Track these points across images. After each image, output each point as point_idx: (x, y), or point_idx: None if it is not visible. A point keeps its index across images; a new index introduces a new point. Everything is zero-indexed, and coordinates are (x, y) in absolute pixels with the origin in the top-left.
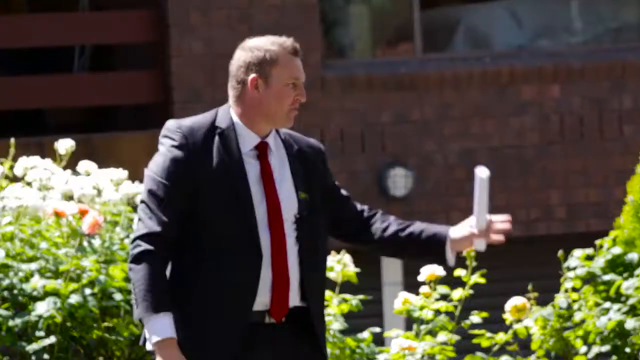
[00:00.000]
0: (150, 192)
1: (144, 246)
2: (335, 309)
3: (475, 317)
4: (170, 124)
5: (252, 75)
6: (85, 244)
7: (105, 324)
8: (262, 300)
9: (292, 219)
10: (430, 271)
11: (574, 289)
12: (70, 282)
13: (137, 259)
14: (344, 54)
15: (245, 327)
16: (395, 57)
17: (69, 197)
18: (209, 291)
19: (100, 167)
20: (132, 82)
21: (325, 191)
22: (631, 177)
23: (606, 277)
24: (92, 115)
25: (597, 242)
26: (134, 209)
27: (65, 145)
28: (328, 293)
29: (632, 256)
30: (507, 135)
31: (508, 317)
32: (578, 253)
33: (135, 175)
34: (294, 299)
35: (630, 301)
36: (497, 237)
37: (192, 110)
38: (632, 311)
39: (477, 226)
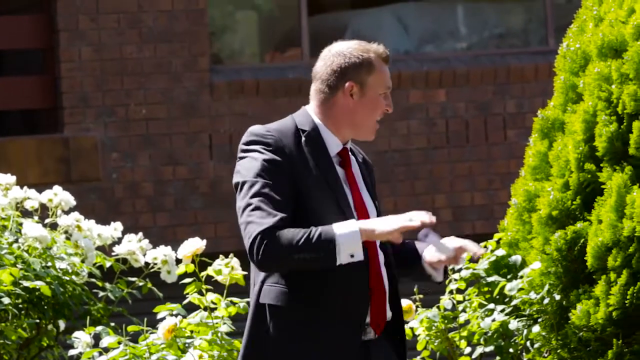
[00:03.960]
0: (258, 194)
1: (266, 239)
2: (223, 311)
3: None
4: (257, 129)
5: (348, 82)
6: None
7: None
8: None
9: None
10: None
11: (459, 291)
12: None
13: (266, 250)
14: (233, 59)
15: (359, 341)
16: (283, 62)
17: None
18: (322, 300)
19: None
20: (21, 87)
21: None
22: (515, 181)
23: (490, 279)
24: None
25: (482, 244)
26: (23, 213)
27: None
28: (215, 296)
29: (516, 258)
30: (393, 139)
31: None
32: (463, 255)
33: (24, 180)
34: (388, 312)
35: (514, 302)
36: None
37: (81, 116)
38: (516, 312)
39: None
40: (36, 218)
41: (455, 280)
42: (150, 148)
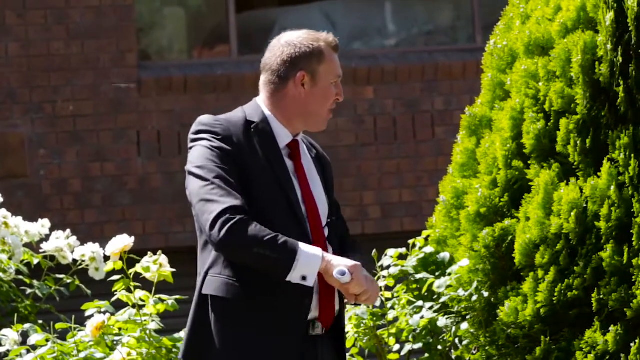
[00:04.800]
0: (212, 177)
1: (234, 218)
2: (151, 309)
3: None
4: (205, 118)
5: (300, 72)
6: None
7: None
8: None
9: (324, 220)
10: None
11: (388, 288)
12: None
13: (233, 228)
14: (161, 56)
15: (304, 335)
16: (211, 59)
17: None
18: (266, 293)
19: None
20: None
21: (331, 204)
22: (443, 178)
23: (419, 276)
24: None
25: (410, 241)
26: None
27: None
28: (144, 293)
29: (444, 255)
30: (322, 135)
31: None
32: (391, 252)
33: None
34: (336, 307)
35: (442, 299)
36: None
37: (8, 112)
38: (444, 309)
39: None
40: None
41: (384, 277)
42: (77, 144)
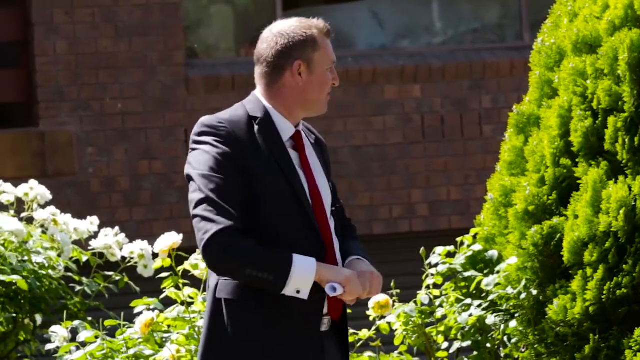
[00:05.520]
0: (212, 190)
1: (224, 243)
2: (200, 306)
3: None
4: (208, 119)
5: (296, 61)
6: None
7: None
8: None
9: (329, 210)
10: None
11: (436, 286)
12: None
13: (223, 254)
14: (208, 54)
15: (317, 333)
16: None
17: None
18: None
19: None
20: None
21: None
22: (491, 176)
23: (467, 274)
24: None
25: (458, 239)
26: None
27: None
28: (192, 290)
29: (492, 253)
30: (369, 134)
31: (371, 313)
32: (439, 250)
33: (0, 174)
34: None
35: (491, 297)
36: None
37: (56, 110)
38: (492, 307)
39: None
40: (12, 212)
41: (432, 275)
42: (126, 142)
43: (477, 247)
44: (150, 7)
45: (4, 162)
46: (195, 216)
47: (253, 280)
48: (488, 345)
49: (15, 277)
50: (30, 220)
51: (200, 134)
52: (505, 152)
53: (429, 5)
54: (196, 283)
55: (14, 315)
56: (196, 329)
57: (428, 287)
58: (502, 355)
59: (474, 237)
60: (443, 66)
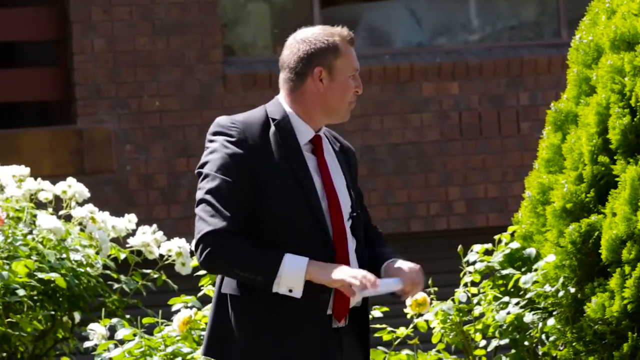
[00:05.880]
0: (212, 191)
1: (213, 244)
2: None
3: (377, 312)
4: (223, 119)
5: (317, 68)
6: None
7: (9, 319)
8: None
9: (347, 216)
10: None
11: (474, 283)
12: None
13: (210, 255)
14: (245, 51)
15: (324, 329)
16: None
17: None
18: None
19: (2, 163)
20: (35, 79)
21: (355, 194)
22: (529, 173)
23: (505, 272)
24: None
25: (496, 237)
26: (37, 205)
27: None
28: None
29: (530, 251)
30: (407, 131)
31: (409, 311)
32: (477, 248)
33: (38, 172)
34: (357, 300)
35: (529, 295)
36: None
37: (94, 108)
38: (531, 305)
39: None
40: (50, 210)
41: (470, 273)
42: (163, 140)
43: (515, 244)
44: (188, 5)
45: (42, 159)
46: (196, 214)
47: (244, 279)
48: (526, 343)
49: (53, 275)
50: (68, 218)
51: (213, 134)
52: (543, 149)
53: (466, 2)
54: None
55: (53, 312)
56: None
57: (466, 284)
58: (540, 353)
59: (512, 234)
60: (480, 63)
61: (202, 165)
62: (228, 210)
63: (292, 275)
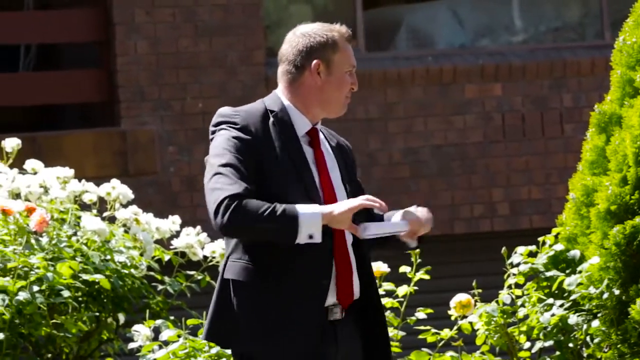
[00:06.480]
0: (225, 165)
1: (235, 204)
2: None
3: (421, 314)
4: (225, 110)
5: (315, 61)
6: (32, 241)
7: (54, 320)
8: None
9: None
10: (375, 267)
11: (518, 285)
12: (18, 279)
13: (233, 213)
14: None
15: (323, 316)
16: None
17: (16, 195)
18: (284, 275)
19: (46, 165)
20: (78, 81)
21: (354, 188)
22: (572, 175)
23: (549, 274)
24: (38, 114)
25: (540, 239)
26: (81, 206)
27: (11, 143)
28: None
29: (574, 253)
30: (450, 133)
31: (453, 313)
32: (521, 250)
33: (82, 173)
34: (356, 290)
35: (573, 297)
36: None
37: (137, 109)
38: (575, 307)
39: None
40: (94, 211)
41: (514, 274)
42: (206, 141)
43: (559, 246)
44: (231, 6)
45: (86, 161)
46: (206, 192)
47: (266, 233)
48: (570, 345)
49: (98, 276)
50: (112, 220)
51: (216, 124)
52: (587, 151)
53: (509, 3)
54: None
55: (97, 314)
56: None
57: (510, 286)
58: (585, 355)
59: (556, 236)
60: (523, 65)
61: (210, 152)
62: (243, 181)
63: (311, 219)
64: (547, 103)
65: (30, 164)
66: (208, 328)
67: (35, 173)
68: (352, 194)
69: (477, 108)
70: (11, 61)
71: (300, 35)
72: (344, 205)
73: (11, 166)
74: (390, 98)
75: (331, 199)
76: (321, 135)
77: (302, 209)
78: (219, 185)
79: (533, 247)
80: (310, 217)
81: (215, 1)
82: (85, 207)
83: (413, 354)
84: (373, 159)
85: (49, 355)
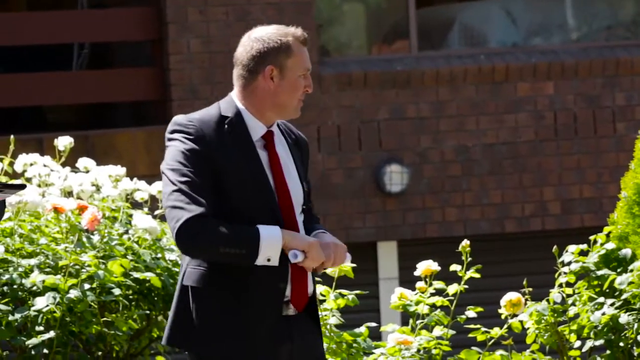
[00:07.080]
0: (182, 182)
1: (197, 227)
2: (332, 303)
3: (471, 312)
4: (179, 118)
5: (268, 66)
6: (84, 239)
7: (104, 318)
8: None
9: (299, 209)
10: (425, 266)
11: (568, 284)
12: (69, 277)
13: (196, 238)
14: (340, 51)
15: (278, 317)
16: (391, 54)
17: (68, 193)
18: (242, 281)
19: (98, 163)
20: (131, 79)
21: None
22: (624, 174)
23: (600, 272)
24: (91, 112)
25: (591, 237)
26: (132, 204)
27: (64, 142)
28: (324, 288)
29: (626, 251)
30: (501, 131)
31: (503, 311)
32: (572, 248)
33: (134, 172)
34: (310, 288)
35: (624, 296)
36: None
37: (190, 108)
38: (626, 306)
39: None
40: (146, 209)
41: (565, 273)
42: None
43: (611, 245)
44: (284, 5)
45: (138, 159)
46: (167, 207)
47: (227, 256)
48: (621, 344)
49: (148, 275)
50: (163, 218)
51: (171, 132)
52: (639, 149)
53: (562, 2)
54: (328, 281)
55: (148, 312)
56: (328, 327)
57: (560, 285)
58: (636, 354)
59: (607, 235)
60: (576, 63)
61: (165, 163)
62: (202, 197)
63: (271, 244)
64: (600, 101)
65: (83, 162)
66: (168, 333)
67: (87, 171)
68: (306, 192)
69: (529, 106)
70: (65, 60)
71: (255, 39)
72: (304, 240)
73: (64, 164)
74: (442, 96)
75: (286, 201)
76: (278, 135)
77: (264, 232)
78: (179, 204)
79: (584, 246)
80: (271, 241)
81: (268, 0)
82: (136, 205)
83: (463, 353)
84: (424, 157)
85: (100, 353)
